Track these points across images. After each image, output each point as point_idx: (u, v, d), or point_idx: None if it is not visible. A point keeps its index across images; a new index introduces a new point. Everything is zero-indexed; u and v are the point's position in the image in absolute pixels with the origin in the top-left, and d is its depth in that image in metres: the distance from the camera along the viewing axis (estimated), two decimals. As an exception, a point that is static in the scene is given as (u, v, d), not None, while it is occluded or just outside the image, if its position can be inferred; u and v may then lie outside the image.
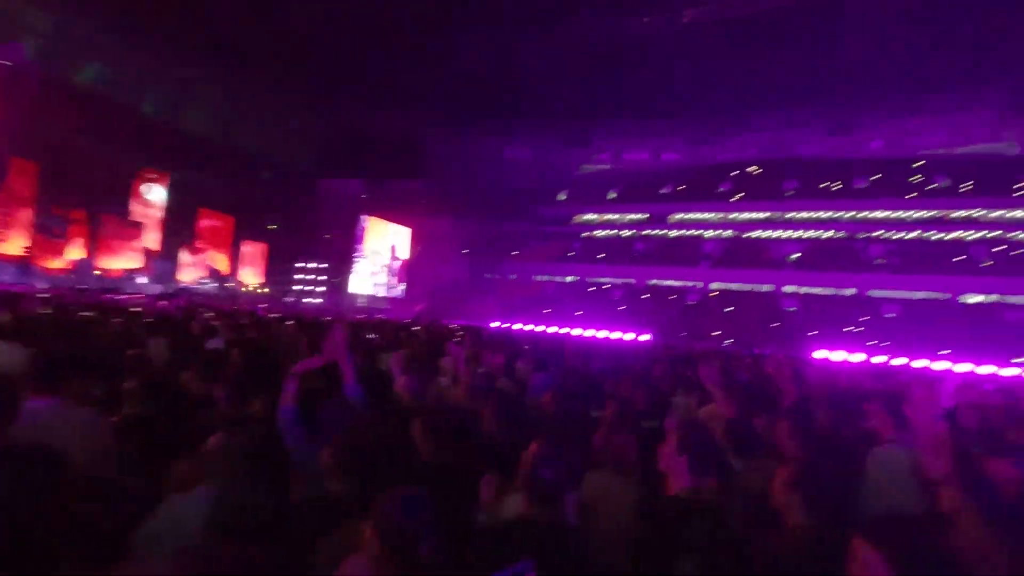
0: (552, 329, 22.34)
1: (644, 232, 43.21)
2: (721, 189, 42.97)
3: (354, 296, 41.24)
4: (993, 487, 2.36)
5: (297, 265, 43.04)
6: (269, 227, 42.02)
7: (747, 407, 3.78)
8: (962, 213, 34.70)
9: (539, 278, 41.18)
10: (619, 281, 39.02)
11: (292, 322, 8.47)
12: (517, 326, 22.87)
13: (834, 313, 30.96)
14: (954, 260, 32.58)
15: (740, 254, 38.19)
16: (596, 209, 46.04)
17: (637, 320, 29.18)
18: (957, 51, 37.68)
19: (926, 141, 42.58)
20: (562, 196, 48.69)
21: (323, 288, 42.44)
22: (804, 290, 34.46)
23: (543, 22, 39.68)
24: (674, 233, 42.43)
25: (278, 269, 42.15)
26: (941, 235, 34.72)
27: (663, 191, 44.93)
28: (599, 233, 44.80)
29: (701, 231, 41.80)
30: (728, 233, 40.72)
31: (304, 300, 40.77)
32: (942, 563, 1.13)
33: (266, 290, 40.63)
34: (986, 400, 5.42)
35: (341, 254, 41.22)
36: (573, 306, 33.87)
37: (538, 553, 1.28)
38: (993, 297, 30.42)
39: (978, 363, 15.98)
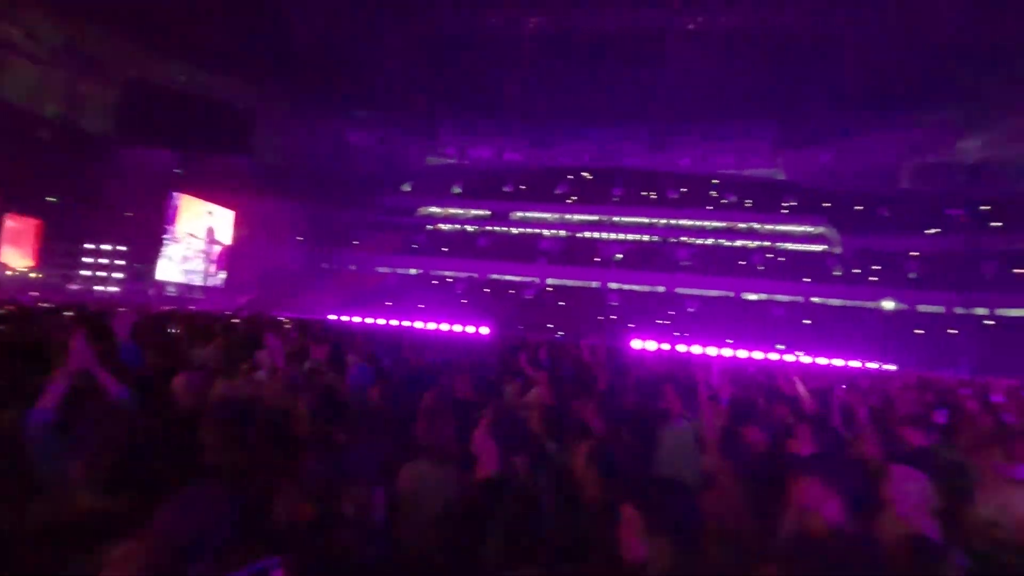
0: (393, 322, 21.86)
1: (487, 228, 44.38)
2: (558, 191, 45.89)
3: (163, 284, 36.02)
4: (747, 450, 2.84)
5: (86, 246, 36.26)
6: (48, 199, 34.71)
7: (566, 392, 4.07)
8: (744, 225, 41.59)
9: (381, 269, 40.03)
10: (462, 275, 39.60)
11: (70, 313, 7.10)
12: (356, 319, 21.92)
13: (648, 308, 35.01)
14: (738, 264, 38.89)
15: (573, 253, 41.21)
16: (440, 203, 46.12)
17: (478, 313, 29.89)
18: (739, 91, 45.03)
19: (719, 162, 50.19)
20: (407, 187, 47.91)
21: (122, 274, 36.37)
22: (626, 287, 38.38)
23: (392, 9, 38.55)
24: (515, 231, 44.26)
25: (59, 250, 35.10)
26: (729, 243, 41.22)
27: (505, 189, 46.59)
28: (443, 227, 44.95)
29: (539, 230, 44.22)
30: (563, 233, 43.66)
31: (96, 288, 34.56)
32: (690, 518, 1.33)
33: (38, 275, 33.59)
34: (752, 379, 6.55)
35: (147, 235, 35.59)
36: (415, 298, 33.53)
37: (299, 549, 1.21)
38: (764, 296, 36.99)
39: (751, 350, 19.24)
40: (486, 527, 1.72)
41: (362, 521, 1.46)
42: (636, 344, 16.96)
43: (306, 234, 40.28)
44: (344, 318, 21.64)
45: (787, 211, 41.72)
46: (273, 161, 42.56)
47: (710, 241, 41.54)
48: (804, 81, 44.02)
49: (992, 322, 31.95)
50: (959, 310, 33.27)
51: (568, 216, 44.52)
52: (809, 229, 40.66)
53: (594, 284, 38.96)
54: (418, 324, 21.47)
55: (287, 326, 8.99)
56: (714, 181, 45.83)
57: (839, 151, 48.21)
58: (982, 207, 37.77)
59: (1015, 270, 33.50)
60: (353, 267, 40.12)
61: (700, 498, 1.89)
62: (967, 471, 2.47)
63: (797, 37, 42.36)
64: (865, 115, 44.19)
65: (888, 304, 34.90)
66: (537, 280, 39.49)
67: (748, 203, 42.68)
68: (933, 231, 37.73)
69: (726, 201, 43.49)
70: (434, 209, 46.05)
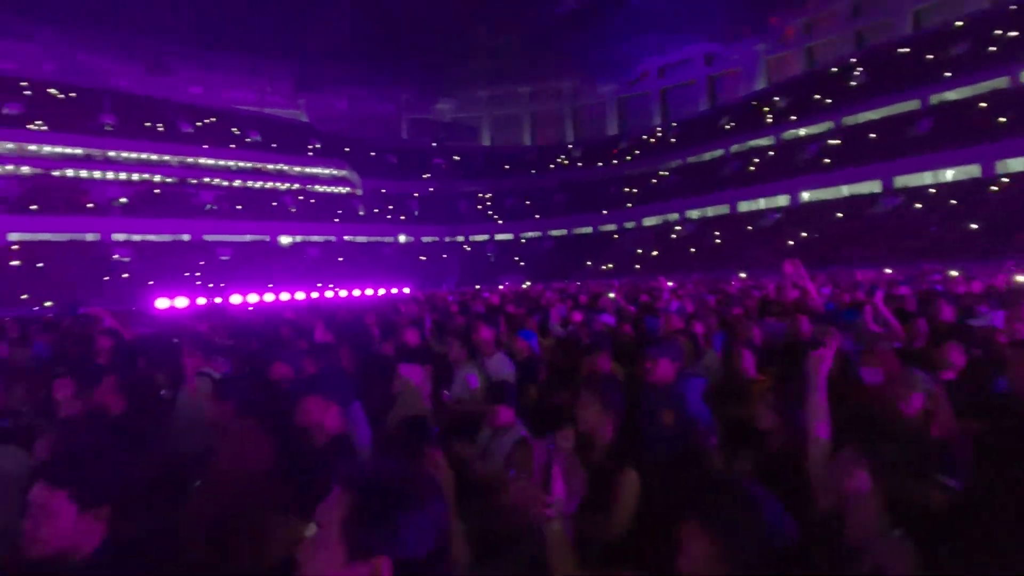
0: None
1: None
2: (8, 111, 33.16)
3: None
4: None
5: None
6: None
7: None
8: (273, 166, 40.52)
9: None
10: None
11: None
12: None
13: (170, 260, 30.44)
14: (272, 206, 38.07)
15: (49, 196, 31.12)
16: None
17: None
18: (257, 22, 42.86)
19: (236, 96, 46.89)
20: None
21: None
22: (137, 237, 32.05)
23: None
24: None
25: None
26: (259, 184, 39.50)
27: None
28: None
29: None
30: (27, 169, 32.26)
31: None
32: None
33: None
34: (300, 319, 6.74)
35: None
36: None
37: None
38: (299, 238, 37.79)
39: (292, 292, 19.27)
40: None
41: None
42: (162, 303, 14.66)
43: None
44: None
45: (312, 153, 42.77)
46: None
47: (237, 182, 38.62)
48: (323, 26, 45.24)
49: (468, 247, 42.71)
50: (447, 239, 42.95)
51: (33, 147, 32.96)
52: (335, 172, 43.21)
53: (89, 236, 30.95)
54: None
55: None
56: (234, 117, 42.43)
57: (351, 99, 52.63)
58: (455, 156, 49.02)
59: (479, 207, 45.61)
60: None
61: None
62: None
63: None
64: (370, 69, 49.47)
65: (402, 238, 41.78)
66: (-10, 235, 28.45)
67: (274, 145, 41.44)
68: (426, 176, 46.71)
69: (250, 140, 40.96)
70: None
